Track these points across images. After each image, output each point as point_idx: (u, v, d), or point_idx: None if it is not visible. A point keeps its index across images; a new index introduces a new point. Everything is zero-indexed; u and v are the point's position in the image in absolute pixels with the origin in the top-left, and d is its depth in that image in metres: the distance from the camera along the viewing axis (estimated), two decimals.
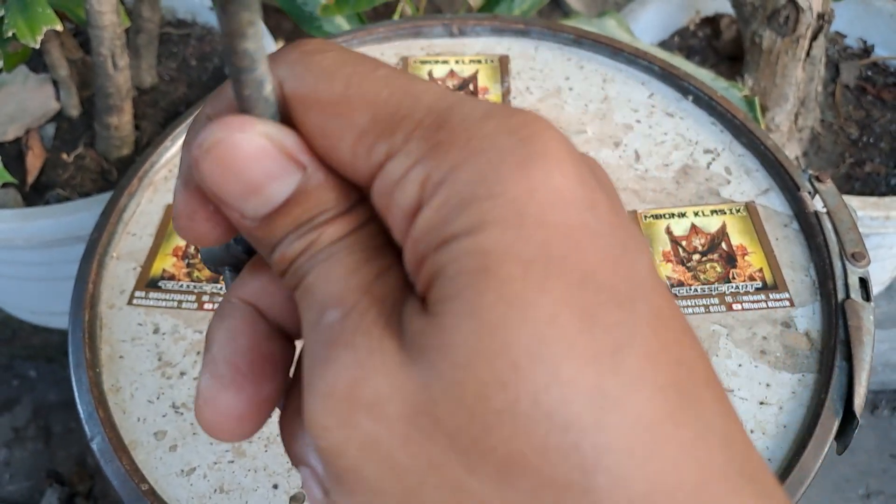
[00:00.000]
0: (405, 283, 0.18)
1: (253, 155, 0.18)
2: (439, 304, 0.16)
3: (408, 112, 0.18)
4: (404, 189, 0.17)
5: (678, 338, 0.17)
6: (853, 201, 0.90)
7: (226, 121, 0.18)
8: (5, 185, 0.97)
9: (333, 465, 0.17)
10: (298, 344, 0.22)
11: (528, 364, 0.15)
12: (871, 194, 0.97)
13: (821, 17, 0.94)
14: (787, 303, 0.58)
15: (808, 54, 0.97)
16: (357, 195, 0.19)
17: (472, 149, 0.17)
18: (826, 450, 0.51)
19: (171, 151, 0.69)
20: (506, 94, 0.73)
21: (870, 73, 1.11)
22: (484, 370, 0.15)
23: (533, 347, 0.15)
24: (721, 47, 1.13)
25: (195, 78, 1.08)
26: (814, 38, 0.95)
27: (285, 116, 0.19)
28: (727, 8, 1.12)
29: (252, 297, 0.21)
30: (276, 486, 0.51)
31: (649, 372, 0.16)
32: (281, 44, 1.16)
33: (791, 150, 1.01)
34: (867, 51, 1.14)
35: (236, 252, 0.23)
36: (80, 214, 0.89)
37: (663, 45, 1.14)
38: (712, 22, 1.16)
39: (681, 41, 1.15)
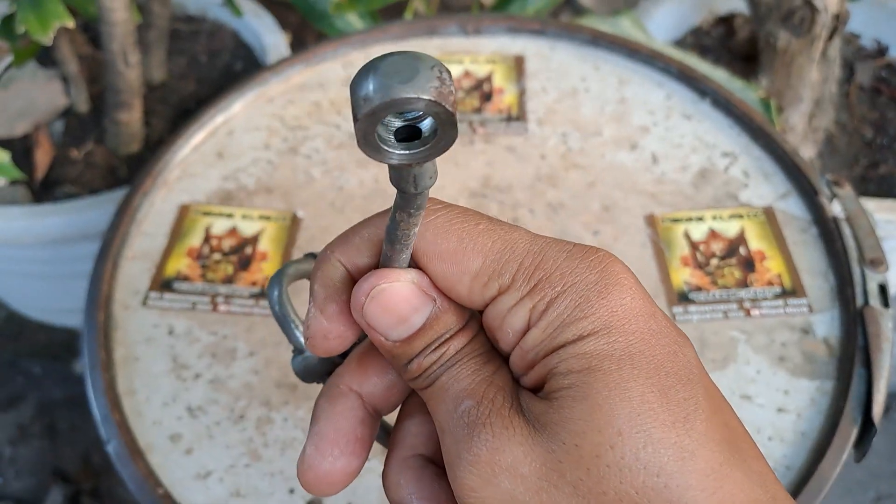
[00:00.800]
0: (512, 377, 0.25)
1: (405, 297, 0.25)
2: (555, 393, 0.23)
3: (509, 257, 0.24)
4: (515, 316, 0.24)
5: (722, 406, 0.24)
6: (868, 204, 0.89)
7: (383, 274, 0.25)
8: (14, 181, 0.96)
9: None
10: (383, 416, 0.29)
11: (628, 430, 0.22)
12: (886, 196, 0.96)
13: (836, 17, 0.93)
14: (806, 309, 0.58)
15: (823, 55, 0.96)
16: (468, 314, 0.26)
17: (565, 284, 0.23)
18: (844, 458, 0.51)
19: (185, 151, 0.69)
20: (521, 94, 0.72)
21: (884, 73, 1.10)
22: (596, 437, 0.22)
23: (631, 419, 0.22)
24: (735, 47, 1.12)
25: (205, 74, 1.08)
26: (829, 38, 0.95)
27: (412, 262, 0.25)
28: (742, 7, 1.11)
29: (356, 386, 0.27)
30: (292, 491, 0.50)
31: (710, 432, 0.22)
32: (289, 37, 1.15)
33: (806, 151, 1.01)
34: (882, 51, 1.13)
35: (336, 360, 0.29)
36: (89, 212, 0.88)
37: (677, 43, 1.13)
38: (726, 21, 1.15)
39: (695, 40, 1.14)
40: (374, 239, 0.26)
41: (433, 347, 0.25)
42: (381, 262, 0.26)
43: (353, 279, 0.26)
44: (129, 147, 0.96)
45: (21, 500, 1.10)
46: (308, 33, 1.45)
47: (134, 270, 0.61)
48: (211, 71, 1.08)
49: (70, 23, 0.78)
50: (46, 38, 0.78)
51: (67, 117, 1.02)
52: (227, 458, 0.52)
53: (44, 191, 0.96)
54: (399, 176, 0.21)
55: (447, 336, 0.25)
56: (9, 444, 1.14)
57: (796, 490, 0.49)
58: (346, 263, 0.26)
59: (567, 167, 0.67)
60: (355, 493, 0.50)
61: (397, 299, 0.25)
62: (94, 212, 0.88)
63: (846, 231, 0.60)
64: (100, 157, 0.97)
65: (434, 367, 0.25)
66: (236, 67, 1.09)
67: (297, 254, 0.62)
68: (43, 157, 0.97)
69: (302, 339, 0.29)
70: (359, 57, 0.77)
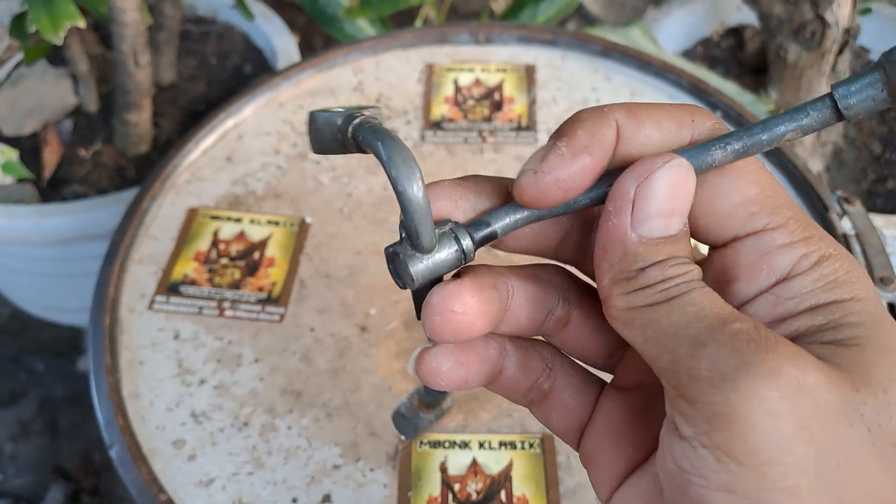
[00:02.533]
0: None
1: (686, 189, 0.23)
2: (849, 340, 0.21)
3: (785, 201, 0.23)
4: (782, 257, 0.23)
5: None
6: (876, 220, 0.89)
7: (676, 159, 0.23)
8: (21, 179, 0.96)
9: (764, 434, 0.20)
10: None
11: None
12: (894, 212, 0.96)
13: (847, 31, 0.93)
14: None
15: (833, 69, 0.96)
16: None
17: (834, 248, 0.23)
18: None
19: (194, 154, 0.69)
20: (531, 103, 0.72)
21: None
22: None
23: None
24: (745, 59, 1.12)
25: (214, 76, 1.08)
26: (839, 52, 0.95)
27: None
28: (752, 19, 1.11)
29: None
30: (295, 500, 0.50)
31: None
32: (297, 38, 1.16)
33: (813, 165, 1.00)
34: None
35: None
36: (96, 213, 0.88)
37: (686, 54, 1.13)
38: (736, 33, 1.15)
39: (704, 51, 1.14)
40: (664, 126, 0.23)
41: (681, 261, 0.22)
42: None
43: (613, 148, 0.23)
44: (138, 148, 0.96)
45: (21, 497, 1.09)
46: (315, 35, 1.45)
47: (141, 274, 0.61)
48: (220, 73, 1.08)
49: (81, 23, 0.79)
50: (57, 38, 0.78)
51: (76, 117, 1.02)
52: (230, 465, 0.52)
53: (51, 190, 0.96)
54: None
55: (688, 260, 0.23)
56: (10, 440, 1.14)
57: None
58: (621, 124, 0.23)
59: None
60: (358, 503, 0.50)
61: (683, 185, 0.22)
62: (101, 212, 0.88)
63: (856, 248, 0.60)
64: (108, 157, 0.97)
65: (680, 279, 0.22)
66: (246, 70, 1.09)
67: (304, 261, 0.62)
68: (51, 156, 0.97)
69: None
70: (369, 63, 0.76)
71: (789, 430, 0.19)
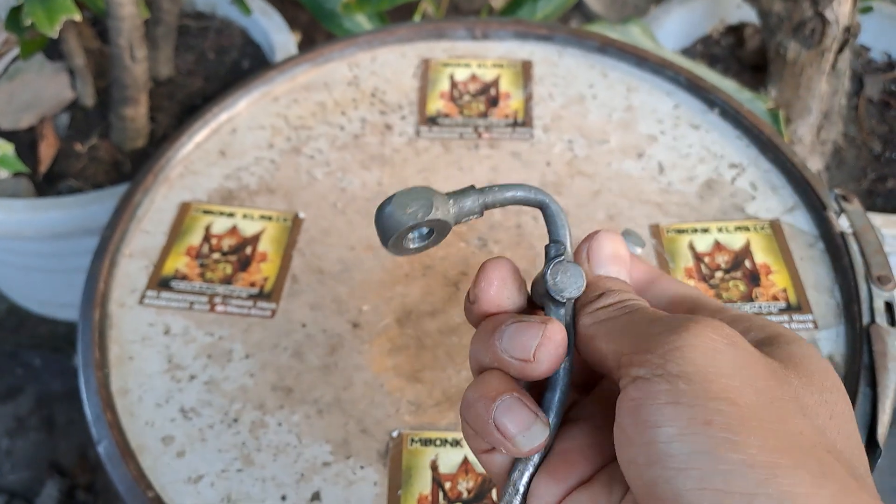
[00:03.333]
0: None
1: (623, 247, 0.31)
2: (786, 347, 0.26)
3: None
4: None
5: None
6: (875, 219, 0.88)
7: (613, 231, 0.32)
8: (17, 174, 0.96)
9: (710, 359, 0.23)
10: None
11: None
12: (893, 211, 0.95)
13: (847, 30, 0.93)
14: (811, 325, 0.57)
15: (832, 67, 0.95)
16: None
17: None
18: None
19: (187, 148, 0.68)
20: (528, 99, 0.72)
21: (894, 87, 1.09)
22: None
23: None
24: (744, 56, 1.11)
25: (212, 71, 1.07)
26: (839, 50, 0.94)
27: None
28: (751, 17, 1.10)
29: None
30: (284, 498, 0.50)
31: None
32: (298, 36, 1.15)
33: (813, 164, 1.00)
34: (892, 65, 1.13)
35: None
36: (91, 207, 0.88)
37: (686, 52, 1.12)
38: (736, 31, 1.15)
39: (704, 49, 1.13)
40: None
41: (629, 293, 0.29)
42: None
43: None
44: (134, 142, 0.96)
45: (16, 493, 1.09)
46: (317, 32, 1.45)
47: (132, 268, 0.61)
48: (218, 68, 1.07)
49: (77, 16, 0.78)
50: (53, 32, 0.77)
51: (73, 111, 1.02)
52: (219, 462, 0.51)
53: (47, 184, 0.96)
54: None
55: (635, 296, 0.29)
56: (5, 435, 1.14)
57: None
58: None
59: (572, 174, 0.66)
60: (349, 503, 0.50)
61: (619, 242, 0.31)
62: (96, 207, 0.88)
63: (853, 247, 0.59)
64: (104, 151, 0.97)
65: (631, 301, 0.28)
66: (244, 65, 1.08)
67: (297, 256, 0.61)
68: (47, 151, 0.97)
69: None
70: (365, 58, 0.76)
71: (730, 365, 0.23)
